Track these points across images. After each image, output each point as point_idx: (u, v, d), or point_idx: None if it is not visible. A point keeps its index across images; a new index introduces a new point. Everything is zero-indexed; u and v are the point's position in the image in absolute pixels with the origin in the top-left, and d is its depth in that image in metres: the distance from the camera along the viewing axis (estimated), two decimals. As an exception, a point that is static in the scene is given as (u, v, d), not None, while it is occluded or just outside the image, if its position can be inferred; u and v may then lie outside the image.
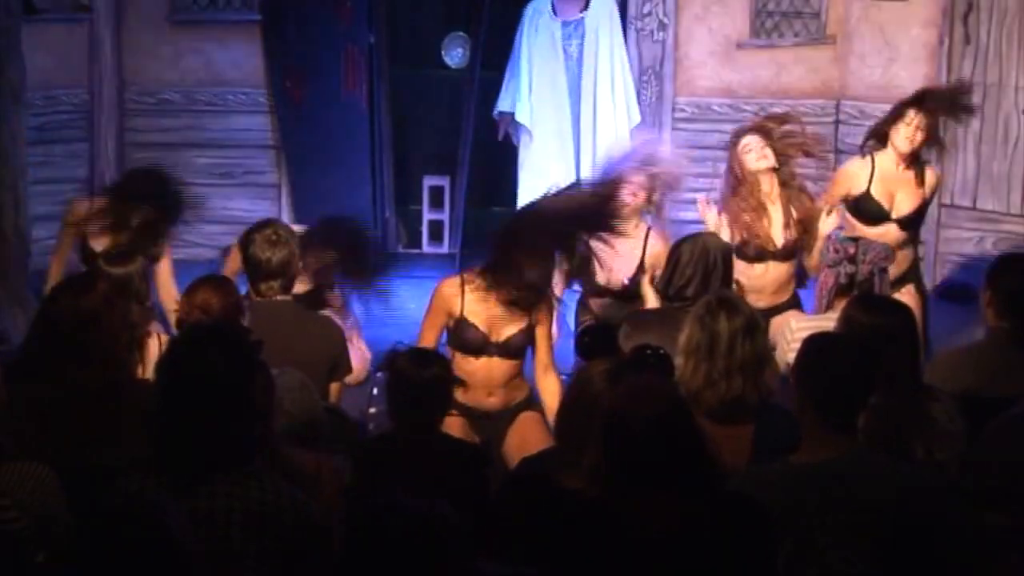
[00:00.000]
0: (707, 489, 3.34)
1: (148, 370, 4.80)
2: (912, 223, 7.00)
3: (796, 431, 4.03)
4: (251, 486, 3.27)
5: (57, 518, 3.60)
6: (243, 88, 9.46)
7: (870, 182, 6.90)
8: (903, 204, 6.93)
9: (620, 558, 3.32)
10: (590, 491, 3.49)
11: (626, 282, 6.62)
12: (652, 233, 6.73)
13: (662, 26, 9.14)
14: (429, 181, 9.70)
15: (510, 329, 5.57)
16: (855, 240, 5.77)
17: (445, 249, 9.65)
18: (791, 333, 5.39)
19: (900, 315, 4.65)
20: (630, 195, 6.52)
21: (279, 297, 5.49)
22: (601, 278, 6.63)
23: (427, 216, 9.79)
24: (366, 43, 9.01)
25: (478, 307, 5.54)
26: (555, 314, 5.97)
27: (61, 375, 4.11)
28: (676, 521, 3.31)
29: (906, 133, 6.82)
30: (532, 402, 5.77)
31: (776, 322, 6.13)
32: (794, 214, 6.67)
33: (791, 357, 4.95)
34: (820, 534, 3.64)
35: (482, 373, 5.56)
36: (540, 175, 8.71)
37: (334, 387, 5.50)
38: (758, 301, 6.11)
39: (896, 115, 6.89)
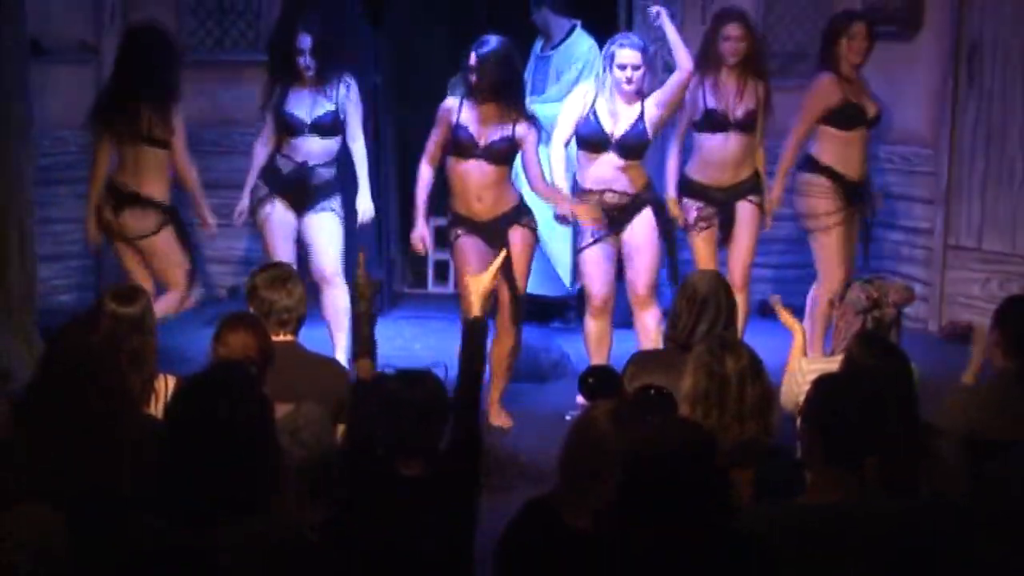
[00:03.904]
0: (719, 529, 3.35)
1: (159, 408, 4.81)
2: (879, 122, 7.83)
3: (797, 473, 4.04)
4: (258, 525, 3.28)
5: (59, 561, 3.60)
6: (249, 129, 9.43)
7: (844, 93, 7.56)
8: (871, 108, 7.68)
9: None
10: (597, 530, 3.49)
11: (627, 130, 7.24)
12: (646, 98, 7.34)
13: (667, 67, 9.16)
14: (435, 221, 9.70)
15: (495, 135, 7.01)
16: (870, 282, 5.71)
17: (450, 289, 9.66)
18: (802, 375, 5.38)
19: (896, 358, 4.68)
20: (627, 83, 7.19)
21: (287, 338, 5.50)
22: (608, 128, 7.23)
23: (433, 256, 9.81)
24: (372, 84, 9.04)
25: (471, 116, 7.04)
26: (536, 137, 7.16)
27: (68, 413, 4.11)
28: (686, 562, 3.30)
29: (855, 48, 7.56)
30: (522, 212, 7.25)
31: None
32: None
33: (803, 399, 4.96)
34: (829, 574, 3.64)
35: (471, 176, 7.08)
36: None
37: (341, 428, 5.49)
38: None
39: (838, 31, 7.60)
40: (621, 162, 7.28)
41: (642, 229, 7.35)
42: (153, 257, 7.69)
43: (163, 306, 7.42)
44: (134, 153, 7.60)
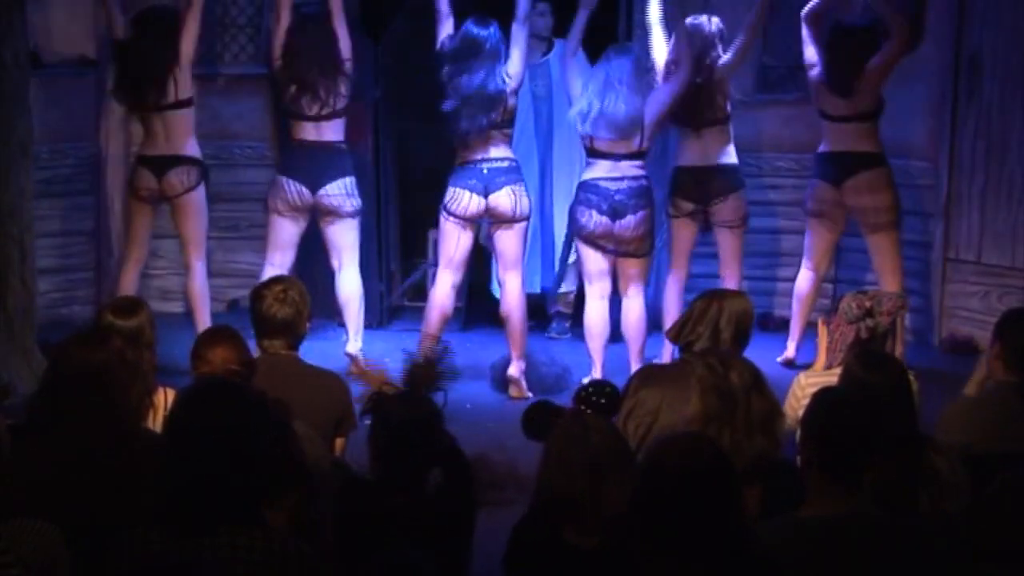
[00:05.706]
0: (734, 546, 3.34)
1: (157, 421, 4.81)
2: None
3: (801, 488, 4.03)
4: (256, 535, 3.28)
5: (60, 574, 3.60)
6: (249, 142, 9.49)
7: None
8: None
9: None
10: (603, 544, 3.49)
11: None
12: None
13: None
14: (435, 234, 9.71)
15: None
16: (863, 292, 5.74)
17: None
18: (801, 390, 5.38)
19: (893, 371, 4.68)
20: None
21: (284, 352, 5.48)
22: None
23: (432, 269, 9.79)
24: (372, 98, 9.05)
25: None
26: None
27: (71, 429, 4.11)
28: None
29: None
30: None
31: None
32: None
33: (801, 413, 4.95)
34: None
35: None
36: None
37: (339, 442, 5.48)
38: None
39: None
40: None
41: None
42: (186, 214, 8.12)
43: (199, 282, 8.10)
44: (162, 121, 8.01)
